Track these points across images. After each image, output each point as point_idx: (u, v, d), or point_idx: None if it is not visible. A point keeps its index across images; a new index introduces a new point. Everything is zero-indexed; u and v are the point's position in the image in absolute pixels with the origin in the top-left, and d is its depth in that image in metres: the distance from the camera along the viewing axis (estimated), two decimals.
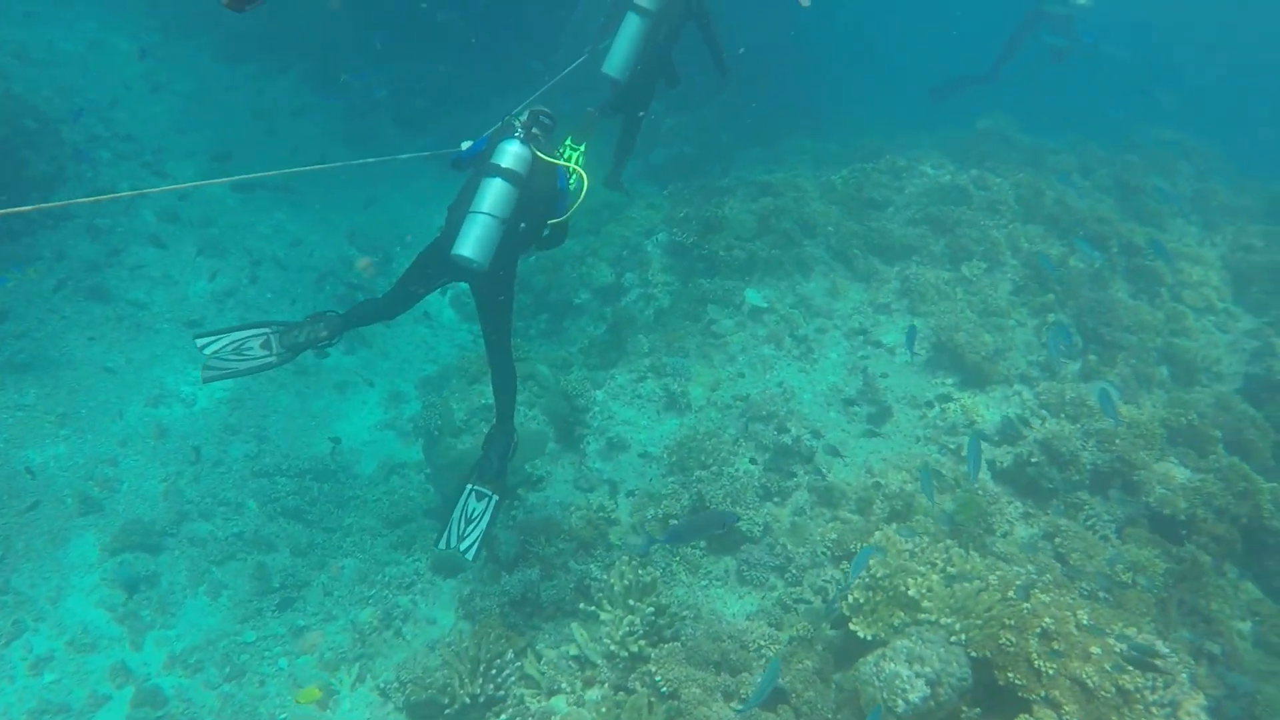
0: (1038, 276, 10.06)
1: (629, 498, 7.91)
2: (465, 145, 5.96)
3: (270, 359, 5.51)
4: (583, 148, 8.18)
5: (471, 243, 5.34)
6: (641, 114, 9.30)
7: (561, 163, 5.79)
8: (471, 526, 6.02)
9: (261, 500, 9.09)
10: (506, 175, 5.46)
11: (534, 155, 5.63)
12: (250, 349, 5.49)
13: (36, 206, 3.49)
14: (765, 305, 9.62)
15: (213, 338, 5.46)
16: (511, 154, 5.54)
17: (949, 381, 8.84)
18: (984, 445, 8.01)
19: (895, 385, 8.81)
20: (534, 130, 5.84)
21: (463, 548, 6.00)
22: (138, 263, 11.20)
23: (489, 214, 5.37)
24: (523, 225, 5.61)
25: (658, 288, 10.30)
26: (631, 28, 8.50)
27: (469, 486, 6.10)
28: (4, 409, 9.01)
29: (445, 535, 6.09)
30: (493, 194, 5.41)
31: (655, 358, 9.24)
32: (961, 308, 9.58)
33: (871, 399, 8.60)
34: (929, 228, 10.66)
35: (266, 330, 5.55)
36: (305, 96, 15.45)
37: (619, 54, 8.54)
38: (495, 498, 6.07)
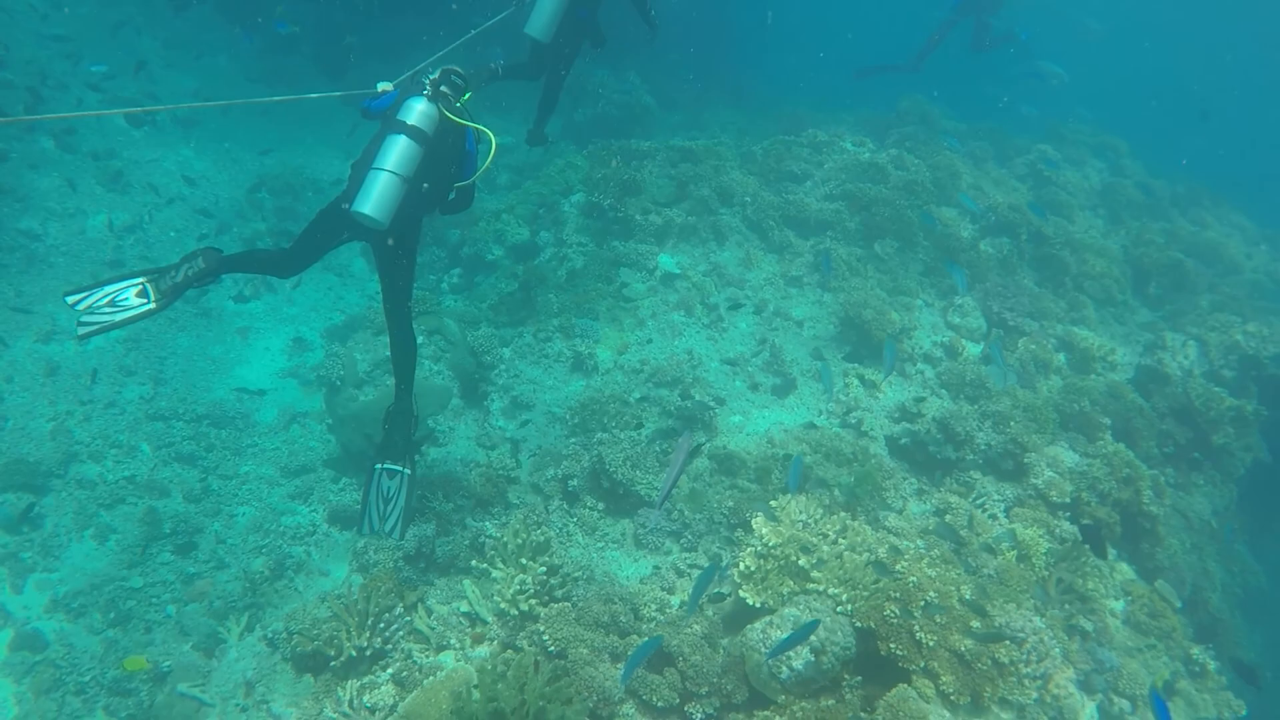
0: (948, 258, 10.20)
1: (530, 457, 7.79)
2: (381, 86, 5.72)
3: (149, 306, 5.20)
4: (467, 96, 7.99)
5: (372, 200, 5.17)
6: (564, 72, 9.11)
7: (470, 124, 5.60)
8: (390, 506, 5.95)
9: (155, 444, 8.68)
10: (411, 133, 5.29)
11: (441, 114, 5.46)
12: (125, 299, 5.18)
13: None
14: (678, 271, 9.54)
15: (84, 293, 5.12)
16: (418, 111, 5.37)
17: (849, 358, 8.91)
18: (884, 420, 8.12)
19: (801, 357, 8.84)
20: (443, 89, 5.65)
21: (387, 529, 5.93)
22: (31, 191, 10.53)
23: (391, 171, 5.21)
24: (426, 185, 5.43)
25: (572, 248, 10.13)
26: None
27: (378, 467, 5.97)
28: None
29: (365, 520, 6.00)
30: (396, 151, 5.24)
31: (565, 318, 9.09)
32: (872, 285, 9.66)
33: (777, 371, 8.61)
34: (845, 204, 10.70)
35: (141, 279, 5.24)
36: (221, 29, 14.73)
37: (542, 14, 8.32)
38: (407, 472, 5.96)
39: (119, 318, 5.13)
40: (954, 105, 15.23)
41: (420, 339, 8.79)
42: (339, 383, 8.50)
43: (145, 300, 5.18)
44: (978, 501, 7.21)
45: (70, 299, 5.11)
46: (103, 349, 9.39)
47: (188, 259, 5.33)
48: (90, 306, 5.09)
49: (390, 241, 5.48)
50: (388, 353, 8.68)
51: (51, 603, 7.13)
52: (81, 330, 5.09)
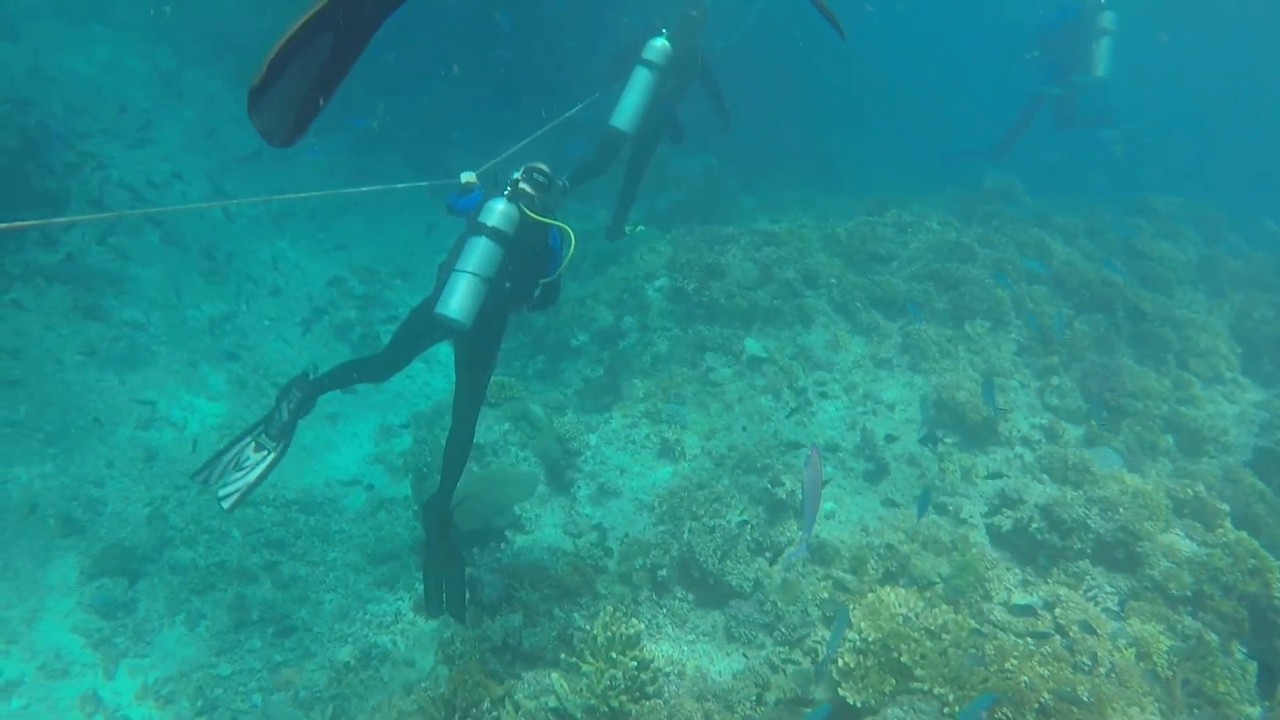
0: (1042, 337, 9.93)
1: (618, 545, 7.69)
2: (465, 177, 5.89)
3: (271, 455, 5.53)
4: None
5: (455, 302, 5.32)
6: (644, 166, 9.33)
7: (551, 222, 5.70)
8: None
9: (245, 530, 8.87)
10: (492, 234, 5.43)
11: (522, 214, 5.57)
12: (246, 458, 5.51)
13: (40, 222, 3.36)
14: (764, 355, 9.47)
15: (205, 470, 5.49)
16: (499, 213, 5.51)
17: (949, 441, 8.65)
18: (984, 507, 7.82)
19: (894, 443, 8.62)
20: (523, 187, 5.78)
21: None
22: (137, 282, 11.08)
23: (473, 273, 5.35)
24: (509, 284, 5.54)
25: (657, 333, 10.15)
26: (640, 81, 8.53)
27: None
28: None
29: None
30: (478, 253, 5.39)
31: (651, 403, 9.07)
32: (963, 366, 9.43)
33: (869, 455, 8.41)
34: (933, 284, 10.54)
35: (249, 437, 5.54)
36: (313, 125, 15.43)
37: (627, 107, 8.56)
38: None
39: (251, 477, 5.47)
40: (1036, 179, 15.00)
41: (506, 425, 8.86)
42: (426, 469, 8.57)
43: (265, 451, 5.45)
44: (1089, 594, 6.84)
45: (197, 479, 5.41)
46: (199, 435, 9.68)
47: (284, 395, 5.61)
48: (219, 478, 5.35)
49: (474, 340, 5.57)
50: (475, 439, 8.79)
51: (142, 689, 7.24)
52: (226, 504, 5.43)
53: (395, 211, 14.36)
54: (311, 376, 5.75)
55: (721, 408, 9.05)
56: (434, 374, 11.66)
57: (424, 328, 5.68)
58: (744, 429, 8.76)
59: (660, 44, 8.43)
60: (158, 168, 13.09)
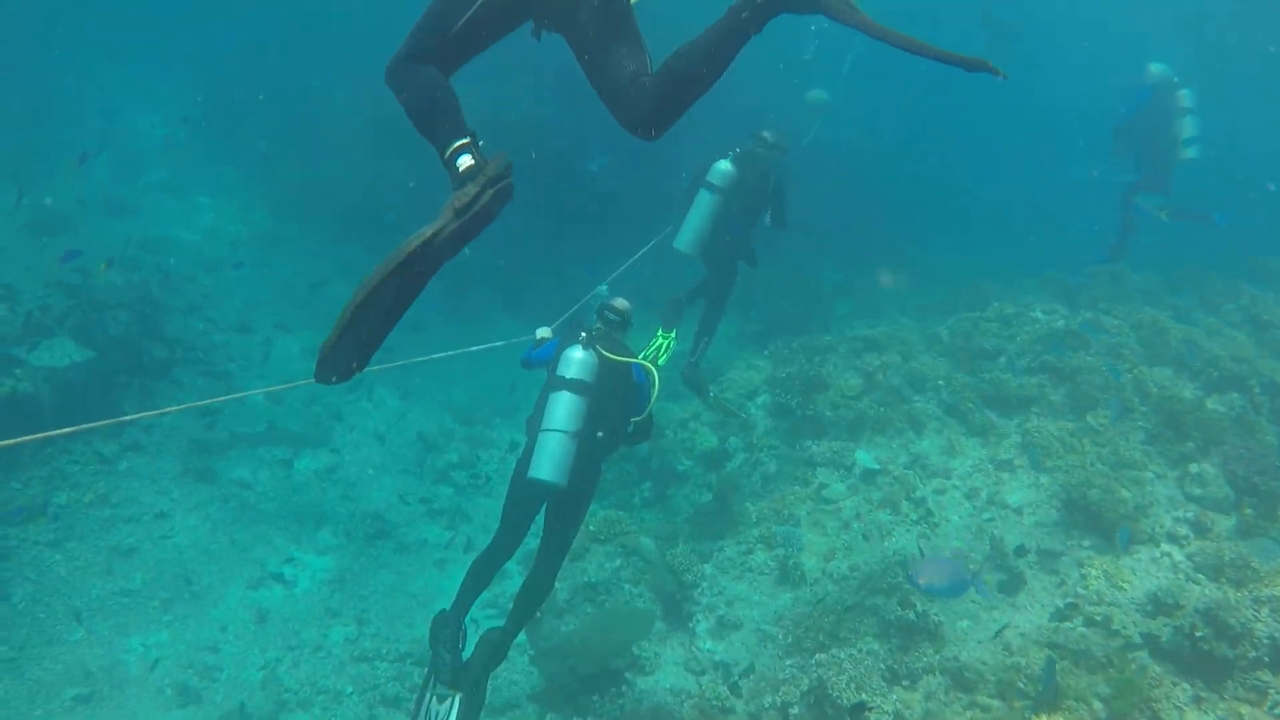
0: (1173, 423, 9.37)
1: (744, 682, 7.36)
2: (540, 333, 5.93)
3: (455, 697, 5.37)
4: (673, 334, 8.18)
5: (547, 464, 5.26)
6: (723, 297, 9.24)
7: (634, 360, 5.65)
8: None
9: (360, 687, 8.80)
10: (573, 387, 5.39)
11: (601, 358, 5.52)
12: (434, 712, 5.41)
13: (161, 411, 3.50)
14: (877, 467, 9.16)
15: None
16: (576, 363, 5.46)
17: (1085, 544, 8.12)
18: (1137, 616, 7.24)
19: (1027, 549, 8.14)
20: (598, 329, 5.76)
21: None
22: (245, 443, 11.45)
23: (561, 430, 5.28)
24: (600, 433, 5.46)
25: (764, 451, 9.95)
26: (703, 204, 8.59)
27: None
28: (111, 595, 9.07)
29: None
30: (562, 409, 5.35)
31: (764, 527, 8.82)
32: (1091, 461, 8.93)
33: (1001, 566, 7.94)
34: (1046, 376, 10.12)
35: (428, 691, 5.49)
36: None
37: (689, 229, 8.62)
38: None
39: None
40: (1138, 255, 14.42)
41: (617, 561, 8.71)
42: (539, 614, 8.44)
43: (448, 697, 5.36)
44: (1276, 710, 6.19)
45: None
46: (309, 592, 9.76)
47: (434, 639, 5.55)
48: None
49: (572, 495, 5.48)
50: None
51: None
52: None
53: (494, 351, 14.66)
54: (448, 610, 5.72)
55: (839, 526, 8.73)
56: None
57: (525, 495, 5.62)
58: (864, 547, 8.40)
59: (724, 167, 8.49)
60: (260, 323, 13.72)
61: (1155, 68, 11.85)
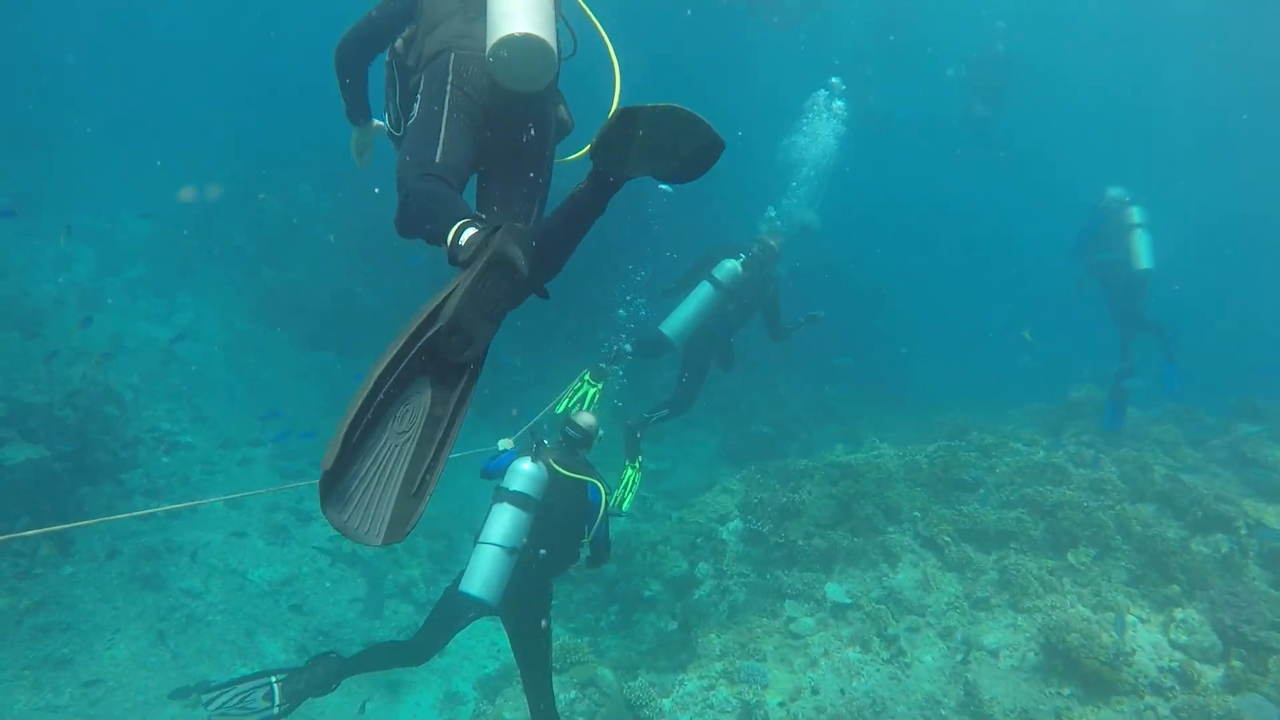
0: (1156, 564, 9.03)
1: None
2: (502, 444, 5.71)
3: (272, 710, 5.16)
4: (638, 463, 7.99)
5: (478, 580, 4.97)
6: (693, 387, 9.09)
7: (588, 479, 5.42)
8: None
9: None
10: (516, 500, 5.14)
11: (551, 473, 5.28)
12: (253, 701, 5.18)
13: (114, 517, 3.25)
14: (849, 601, 8.78)
15: (217, 692, 5.20)
16: (522, 476, 5.23)
17: (1065, 692, 7.69)
18: None
19: (1003, 696, 7.70)
20: (548, 444, 5.56)
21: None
22: (197, 550, 11.02)
23: (498, 545, 5.01)
24: (543, 551, 5.18)
25: (733, 579, 9.58)
26: (702, 296, 8.41)
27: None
28: (36, 711, 8.53)
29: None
30: (501, 523, 5.09)
31: (729, 661, 8.37)
32: (1071, 602, 8.56)
33: (976, 712, 7.50)
34: (1026, 510, 9.82)
35: (270, 680, 5.25)
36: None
37: (679, 318, 8.40)
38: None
39: None
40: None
41: (573, 693, 8.25)
42: None
43: (270, 705, 5.11)
44: None
45: (204, 698, 5.07)
46: None
47: (314, 663, 5.30)
48: (221, 707, 5.05)
49: (516, 617, 5.18)
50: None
51: None
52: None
53: (465, 461, 14.35)
54: (343, 655, 5.41)
55: (806, 663, 8.30)
56: (502, 632, 11.14)
57: (454, 607, 5.32)
58: (831, 687, 7.96)
59: (733, 267, 8.42)
60: (221, 431, 13.43)
61: (1113, 191, 12.45)
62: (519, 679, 8.67)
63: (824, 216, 15.35)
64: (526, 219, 3.11)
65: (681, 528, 10.68)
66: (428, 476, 2.21)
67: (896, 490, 10.24)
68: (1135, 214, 12.10)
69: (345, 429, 2.08)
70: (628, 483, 8.70)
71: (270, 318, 16.61)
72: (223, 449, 13.06)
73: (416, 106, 3.05)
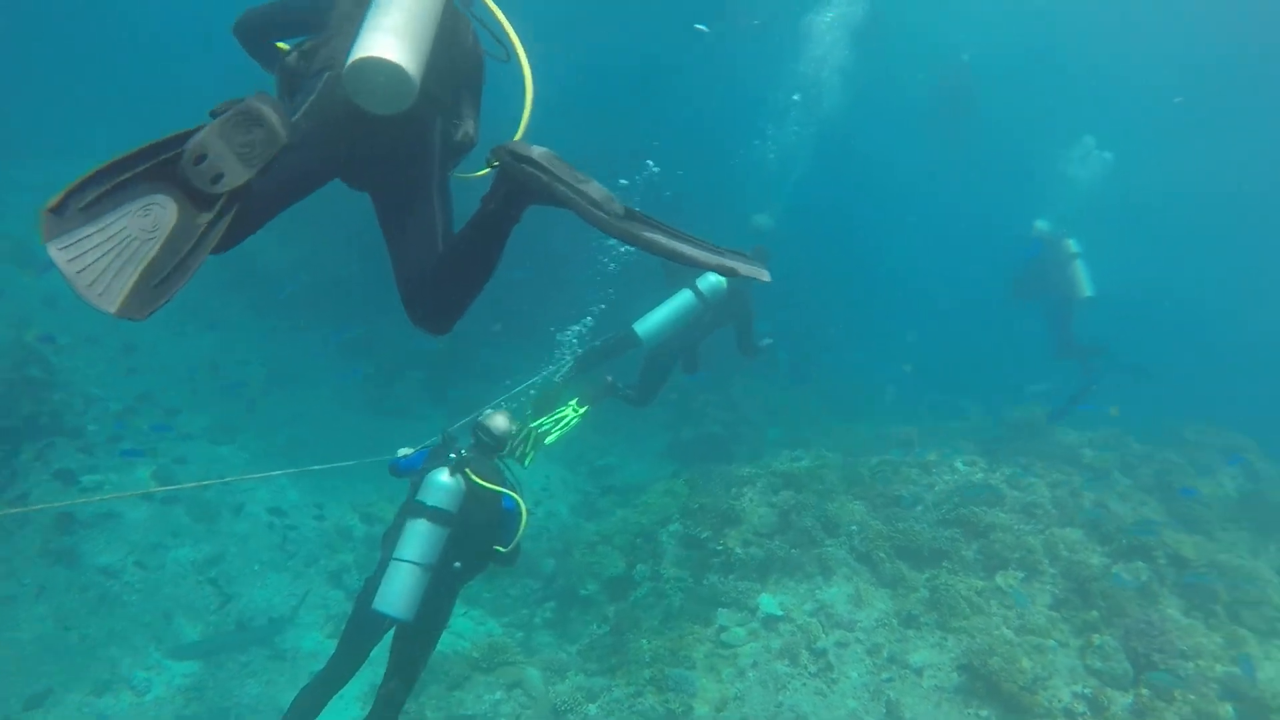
0: (1079, 590, 9.33)
1: None
2: (401, 452, 5.69)
3: None
4: (583, 411, 7.95)
5: (394, 597, 4.90)
6: (654, 385, 9.12)
7: (503, 490, 5.40)
8: None
9: None
10: (434, 516, 5.06)
11: (468, 485, 5.24)
12: None
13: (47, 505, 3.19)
14: (781, 613, 8.95)
15: None
16: (439, 489, 5.14)
17: (984, 714, 7.94)
18: None
19: (923, 715, 7.93)
20: (466, 453, 5.46)
21: None
22: (119, 524, 10.62)
23: (413, 562, 4.95)
24: (458, 564, 5.17)
25: (669, 583, 9.70)
26: (681, 305, 8.41)
27: None
28: None
29: None
30: (417, 539, 5.01)
31: (658, 668, 8.49)
32: (996, 624, 8.82)
33: None
34: (960, 530, 10.07)
35: None
36: (329, 358, 15.58)
37: (656, 323, 8.37)
38: None
39: None
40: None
41: (498, 694, 8.33)
42: None
43: None
44: None
45: None
46: (162, 699, 8.88)
47: None
48: None
49: (421, 624, 5.13)
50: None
51: None
52: None
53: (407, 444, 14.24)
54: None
55: (734, 673, 8.45)
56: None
57: (368, 624, 5.26)
58: (756, 698, 8.13)
59: (716, 280, 8.47)
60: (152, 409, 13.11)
61: (1040, 224, 12.99)
62: (467, 664, 8.73)
63: (779, 220, 15.51)
64: (430, 238, 3.15)
65: (623, 527, 10.76)
66: (173, 276, 2.30)
67: (837, 502, 10.43)
68: (1071, 244, 12.54)
69: (77, 181, 2.20)
70: (563, 421, 8.48)
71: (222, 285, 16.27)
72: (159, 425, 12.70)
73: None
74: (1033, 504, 10.50)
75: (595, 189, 2.63)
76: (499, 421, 5.70)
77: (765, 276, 2.57)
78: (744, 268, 2.56)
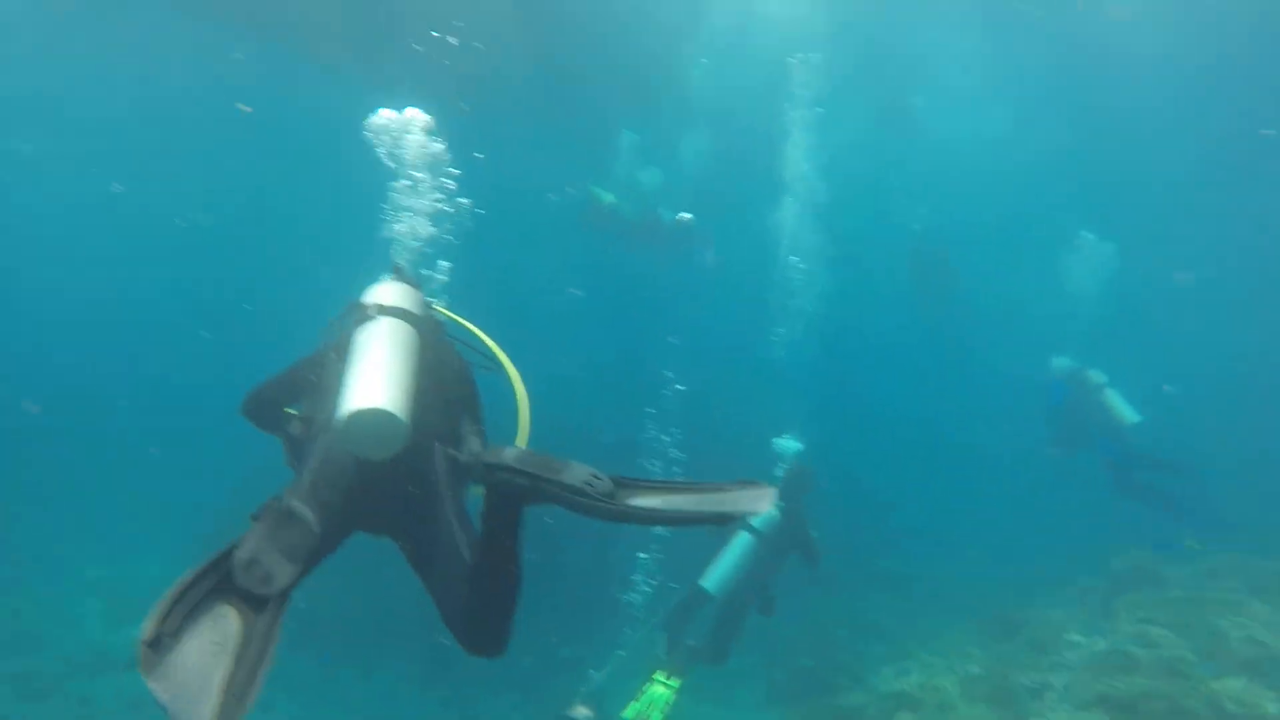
0: None
1: None
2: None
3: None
4: (676, 685, 7.36)
5: None
6: (731, 632, 8.73)
7: None
8: None
9: None
10: None
11: None
12: None
13: None
14: None
15: None
16: None
17: None
18: None
19: None
20: None
21: None
22: None
23: None
24: None
25: None
26: (741, 548, 8.33)
27: None
28: None
29: None
30: None
31: None
32: None
33: None
34: (1104, 710, 8.90)
35: None
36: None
37: (721, 570, 8.32)
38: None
39: None
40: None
41: None
42: None
43: None
44: None
45: None
46: None
47: None
48: None
49: None
50: None
51: None
52: None
53: None
54: None
55: None
56: None
57: None
58: None
59: (771, 514, 8.41)
60: None
61: (1058, 361, 12.67)
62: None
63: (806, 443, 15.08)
64: (459, 570, 3.07)
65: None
66: (249, 688, 2.34)
67: (958, 714, 9.36)
68: (1096, 375, 12.22)
69: (159, 611, 2.32)
70: (658, 701, 7.60)
71: None
72: None
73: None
74: (1174, 659, 9.37)
75: (575, 473, 2.68)
76: (582, 712, 5.41)
77: (762, 509, 2.63)
78: (742, 506, 2.62)
